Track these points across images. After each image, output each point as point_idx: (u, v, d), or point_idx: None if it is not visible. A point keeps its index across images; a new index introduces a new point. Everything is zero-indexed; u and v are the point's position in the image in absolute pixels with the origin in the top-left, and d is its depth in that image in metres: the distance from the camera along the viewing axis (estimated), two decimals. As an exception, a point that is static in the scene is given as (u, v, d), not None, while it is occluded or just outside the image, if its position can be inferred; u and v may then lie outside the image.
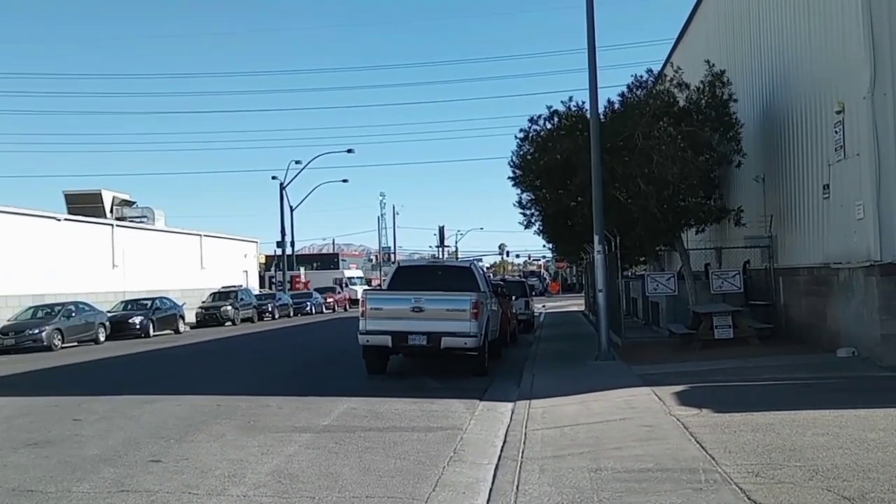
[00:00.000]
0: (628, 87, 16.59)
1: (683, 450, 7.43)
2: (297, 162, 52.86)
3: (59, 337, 25.90)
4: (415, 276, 15.74)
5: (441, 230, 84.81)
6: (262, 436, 9.14)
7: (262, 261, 63.72)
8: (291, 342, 25.19)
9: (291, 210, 54.02)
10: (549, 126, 16.79)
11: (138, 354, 22.66)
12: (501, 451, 8.21)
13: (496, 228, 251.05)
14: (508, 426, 9.72)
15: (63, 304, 27.62)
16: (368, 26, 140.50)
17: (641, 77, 16.57)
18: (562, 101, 16.63)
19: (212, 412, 10.96)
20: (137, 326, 30.16)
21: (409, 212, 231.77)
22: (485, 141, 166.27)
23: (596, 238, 15.04)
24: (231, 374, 16.35)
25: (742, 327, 15.21)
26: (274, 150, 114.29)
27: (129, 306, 32.12)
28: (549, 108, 16.71)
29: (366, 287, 52.72)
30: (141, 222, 45.66)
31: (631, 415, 9.56)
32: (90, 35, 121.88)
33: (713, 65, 16.42)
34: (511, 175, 18.18)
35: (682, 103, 16.49)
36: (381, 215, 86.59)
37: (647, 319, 21.89)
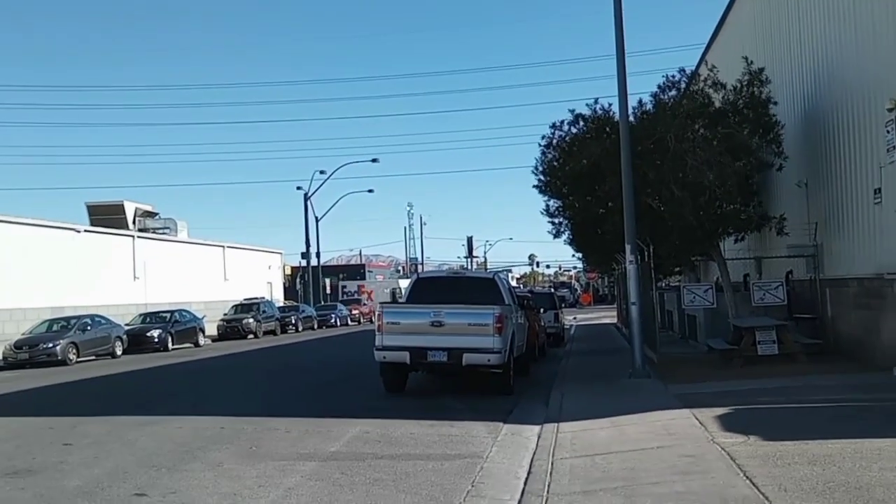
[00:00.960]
0: (659, 87, 15.65)
1: (732, 486, 6.49)
2: (322, 172, 52.43)
3: (75, 351, 25.40)
4: (435, 289, 14.88)
5: (469, 240, 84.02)
6: (263, 464, 8.32)
7: (288, 272, 63.31)
8: (311, 357, 24.44)
9: (317, 220, 53.58)
10: (573, 130, 15.89)
11: (152, 370, 22.05)
12: (525, 484, 7.32)
13: (526, 238, 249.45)
14: (534, 454, 8.82)
15: (78, 318, 27.15)
16: (393, 35, 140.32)
17: (673, 77, 15.62)
18: (587, 104, 15.73)
19: (213, 436, 10.18)
20: (156, 340, 29.64)
21: (437, 222, 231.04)
22: (513, 149, 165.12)
23: (628, 247, 14.08)
24: (243, 391, 15.61)
25: (787, 343, 14.14)
26: (299, 161, 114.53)
27: (148, 319, 31.64)
28: (572, 111, 15.81)
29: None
30: (163, 234, 45.43)
31: (669, 442, 8.61)
32: (112, 47, 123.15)
33: (751, 62, 15.40)
34: (536, 183, 17.27)
35: (717, 104, 15.49)
36: (409, 226, 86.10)
37: (684, 333, 20.81)
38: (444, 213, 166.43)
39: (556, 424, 10.27)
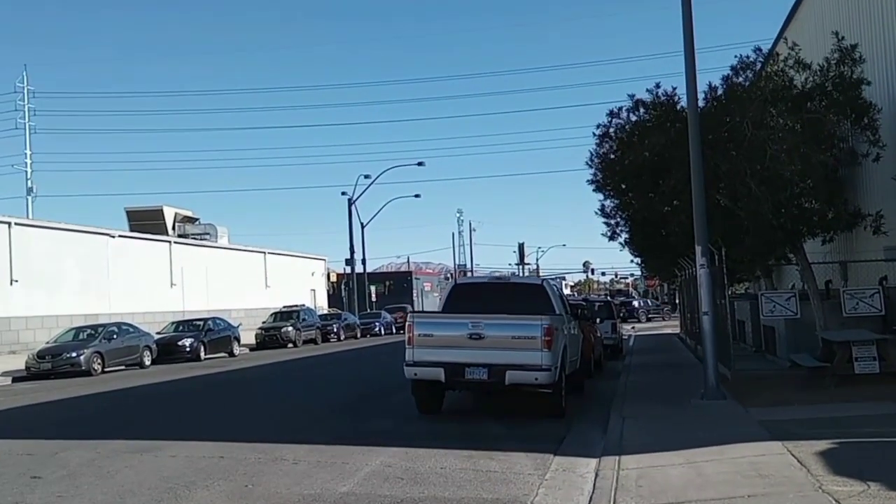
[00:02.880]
0: (732, 68, 13.66)
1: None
2: (367, 176, 51.16)
3: (100, 361, 24.24)
4: (475, 296, 13.14)
5: (521, 247, 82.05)
6: (254, 511, 6.71)
7: (334, 279, 62.21)
8: (346, 370, 22.86)
9: (362, 226, 52.30)
10: (633, 118, 13.98)
11: (175, 382, 20.72)
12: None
13: (580, 245, 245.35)
14: (591, 499, 7.06)
15: (105, 326, 26.07)
16: (439, 35, 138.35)
17: (747, 57, 13.59)
18: (647, 90, 13.81)
19: (208, 468, 8.62)
20: (187, 349, 28.42)
21: (488, 228, 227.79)
22: (566, 152, 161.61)
23: (698, 250, 12.16)
24: (260, 409, 14.05)
25: (891, 360, 12.04)
26: (344, 165, 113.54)
27: (181, 327, 30.48)
28: (631, 96, 13.91)
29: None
30: (203, 239, 44.64)
31: (764, 488, 6.74)
32: (151, 52, 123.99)
33: (842, 37, 13.30)
34: (591, 178, 15.42)
35: (800, 87, 13.46)
36: (459, 232, 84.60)
37: (758, 347, 18.65)
38: (495, 218, 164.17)
39: (616, 458, 8.45)
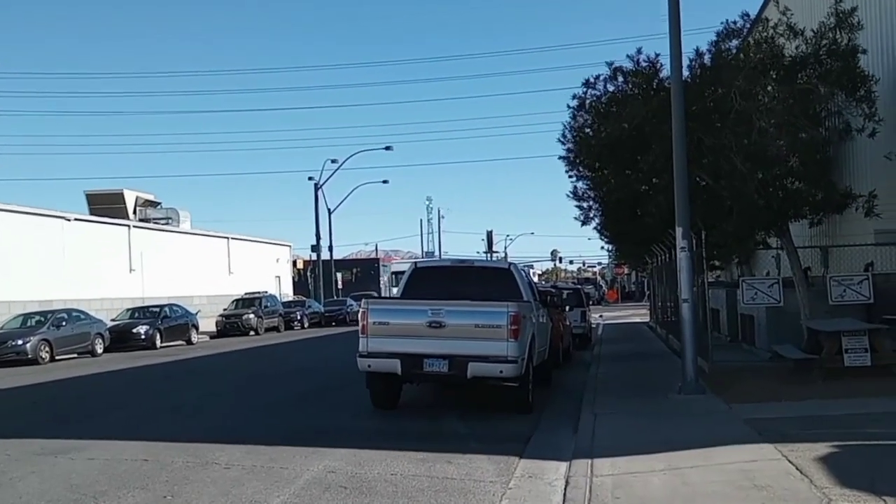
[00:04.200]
0: (717, 35, 12.70)
1: None
2: (334, 161, 49.75)
3: (47, 349, 22.84)
4: (436, 281, 12.10)
5: (489, 235, 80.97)
6: (163, 531, 5.65)
7: (300, 266, 60.79)
8: (304, 359, 21.65)
9: (329, 212, 50.93)
10: (611, 88, 12.97)
11: (124, 372, 19.44)
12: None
13: (548, 233, 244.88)
14: (561, 512, 6.13)
15: (54, 312, 24.64)
16: (407, 17, 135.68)
17: (734, 23, 12.64)
18: (628, 56, 12.78)
19: (127, 473, 7.53)
20: (142, 337, 27.03)
21: (456, 215, 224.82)
22: (535, 138, 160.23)
23: (679, 231, 11.25)
24: (203, 404, 12.79)
25: (883, 352, 11.23)
26: (310, 150, 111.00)
27: (136, 314, 29.06)
28: (610, 64, 12.86)
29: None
30: (165, 224, 43.11)
31: (760, 502, 5.83)
32: (114, 32, 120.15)
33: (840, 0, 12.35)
34: (563, 154, 14.41)
35: (791, 56, 12.54)
36: (428, 220, 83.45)
37: (734, 336, 17.84)
38: (464, 206, 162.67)
39: (588, 461, 7.50)
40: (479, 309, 10.39)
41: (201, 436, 9.29)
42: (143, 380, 17.71)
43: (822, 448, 7.21)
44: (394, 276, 41.52)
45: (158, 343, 27.50)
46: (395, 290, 35.36)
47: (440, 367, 10.28)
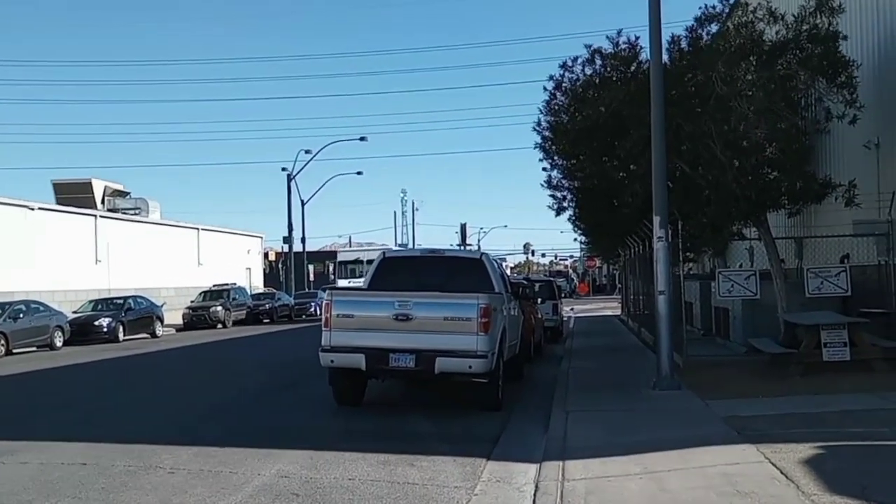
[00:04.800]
0: (696, 20, 12.27)
1: None
2: (307, 152, 48.93)
3: (3, 342, 21.90)
4: (405, 271, 11.61)
5: (463, 227, 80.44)
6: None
7: (272, 258, 59.87)
8: (269, 353, 20.97)
9: (302, 204, 50.09)
10: (588, 72, 12.49)
11: (80, 366, 18.64)
12: None
13: (521, 226, 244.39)
14: (530, 520, 5.66)
15: (10, 304, 23.74)
16: (382, 7, 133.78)
17: (713, 7, 12.23)
18: (608, 37, 12.31)
19: (60, 480, 6.93)
20: (104, 330, 26.14)
21: (430, 208, 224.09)
22: (510, 130, 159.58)
23: (656, 220, 10.82)
24: (156, 401, 12.13)
25: (863, 346, 10.91)
26: (284, 141, 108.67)
27: (99, 306, 28.12)
28: (588, 47, 12.39)
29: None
30: (134, 214, 42.11)
31: (743, 508, 5.42)
32: (80, 20, 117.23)
33: (820, -17, 11.96)
34: (539, 142, 13.93)
35: (771, 40, 12.15)
36: (403, 212, 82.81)
37: (708, 330, 17.52)
38: (438, 198, 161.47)
39: (560, 464, 7.05)
40: (448, 301, 9.90)
41: (149, 436, 8.69)
42: (98, 375, 16.97)
43: (806, 449, 6.82)
44: (341, 266, 39.22)
45: (121, 336, 26.65)
46: (342, 283, 34.53)
47: (406, 363, 9.78)
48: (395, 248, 39.77)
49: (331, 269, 43.17)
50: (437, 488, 6.51)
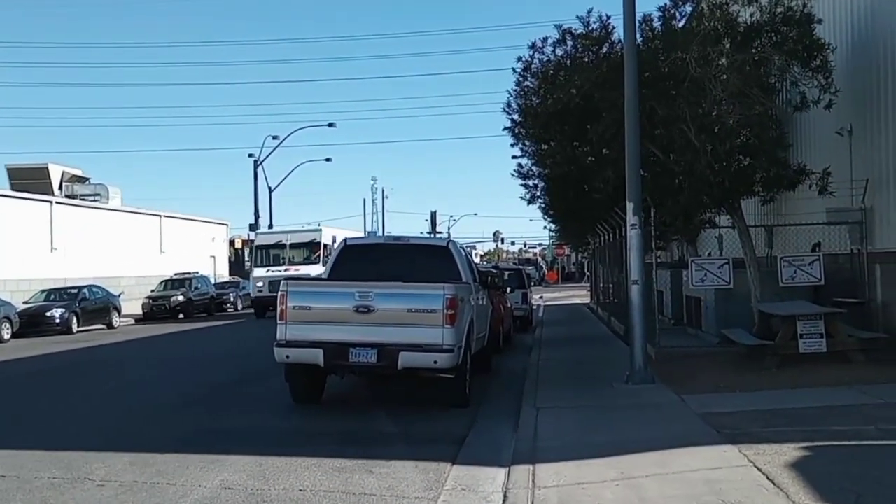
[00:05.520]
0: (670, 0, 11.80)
1: None
2: (275, 137, 47.81)
3: (-62, 334, 20.92)
4: (368, 260, 11.03)
5: (433, 215, 79.86)
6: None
7: (239, 245, 58.71)
8: (227, 346, 20.09)
9: (270, 191, 48.98)
10: (559, 53, 11.97)
11: (24, 361, 17.59)
12: None
13: (491, 214, 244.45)
14: (497, 535, 5.15)
15: (-51, 294, 22.65)
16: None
17: (687, -13, 11.77)
18: (578, 17, 11.79)
19: (-23, 494, 6.26)
20: (57, 321, 25.07)
21: (401, 196, 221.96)
22: (480, 118, 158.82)
23: (630, 207, 10.36)
24: (95, 401, 11.27)
25: (839, 337, 10.57)
26: (251, 126, 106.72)
27: (52, 296, 26.95)
28: (558, 27, 11.85)
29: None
30: (94, 200, 40.85)
31: (729, 520, 4.96)
32: (38, 1, 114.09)
33: (792, -38, 11.57)
34: (508, 126, 13.39)
35: (746, 22, 11.73)
36: (373, 200, 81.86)
37: (679, 320, 17.17)
38: (408, 186, 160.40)
39: (530, 468, 6.56)
40: (412, 292, 9.33)
41: (84, 442, 7.98)
42: (39, 371, 15.91)
43: (791, 450, 6.40)
44: (259, 252, 32.08)
45: (75, 327, 25.61)
46: (259, 270, 30.51)
47: (368, 358, 9.21)
48: (328, 230, 33.90)
49: (246, 255, 33.51)
50: (395, 500, 5.98)
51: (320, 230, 33.30)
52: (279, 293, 9.46)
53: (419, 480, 6.46)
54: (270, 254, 32.45)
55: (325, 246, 31.39)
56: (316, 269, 27.93)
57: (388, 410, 9.55)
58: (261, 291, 29.65)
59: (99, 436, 8.43)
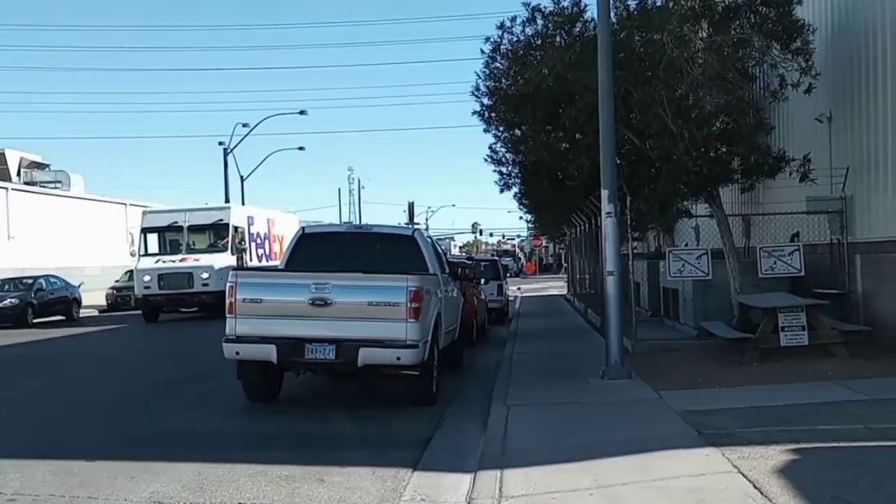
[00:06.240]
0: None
1: None
2: (245, 125, 46.73)
3: None
4: (328, 249, 10.42)
5: (410, 206, 79.15)
6: None
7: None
8: (186, 338, 19.08)
9: (242, 179, 47.92)
10: (529, 32, 11.39)
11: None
12: None
13: (470, 205, 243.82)
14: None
15: None
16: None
17: (663, -34, 11.24)
18: (548, -10, 11.18)
19: None
20: (9, 313, 24.07)
21: (378, 186, 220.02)
22: (457, 107, 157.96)
23: (605, 194, 9.83)
24: (27, 401, 10.40)
25: (822, 330, 10.14)
26: (223, 114, 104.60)
27: (6, 287, 25.85)
28: (527, 4, 11.26)
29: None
30: (54, 188, 39.72)
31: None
32: None
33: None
34: (477, 110, 12.80)
35: (724, 3, 11.24)
36: (350, 190, 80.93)
37: (655, 311, 16.73)
38: (385, 177, 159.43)
39: (497, 474, 6.02)
40: (373, 283, 8.74)
41: (14, 449, 7.29)
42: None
43: (778, 454, 5.92)
44: (146, 236, 25.44)
45: (31, 319, 24.58)
46: (146, 261, 24.69)
47: (325, 354, 8.60)
48: (242, 208, 28.52)
49: (133, 239, 25.31)
50: (347, 512, 5.40)
51: (228, 208, 26.83)
52: (227, 284, 8.81)
53: (374, 490, 5.88)
54: (166, 239, 25.58)
55: (238, 228, 25.92)
56: (223, 260, 24.08)
57: (349, 409, 8.96)
58: (148, 288, 23.85)
59: (24, 440, 7.70)
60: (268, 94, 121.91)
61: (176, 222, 25.46)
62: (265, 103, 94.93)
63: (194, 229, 25.64)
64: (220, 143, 47.40)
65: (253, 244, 28.44)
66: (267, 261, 29.00)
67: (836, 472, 5.36)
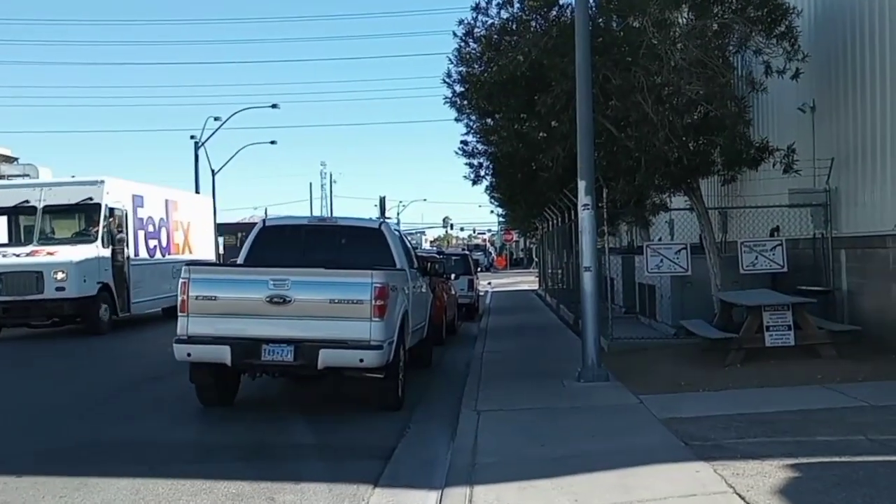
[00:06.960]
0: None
1: None
2: (217, 118, 45.61)
3: None
4: (289, 244, 9.80)
5: (382, 200, 78.40)
6: None
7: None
8: (146, 335, 18.02)
9: (213, 173, 46.91)
10: (504, 15, 10.82)
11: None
12: None
13: (441, 200, 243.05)
14: None
15: None
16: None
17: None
18: (525, -25, 10.63)
19: None
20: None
21: (349, 181, 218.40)
22: (429, 102, 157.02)
23: (582, 185, 9.30)
24: None
25: (809, 329, 9.69)
26: (194, 108, 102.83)
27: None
28: (500, -15, 10.69)
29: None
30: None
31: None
32: None
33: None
34: (448, 97, 12.21)
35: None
36: (321, 185, 79.90)
37: (631, 308, 16.26)
38: (357, 171, 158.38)
39: (466, 491, 5.46)
40: (336, 280, 8.11)
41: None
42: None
43: (775, 470, 5.41)
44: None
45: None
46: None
47: (284, 356, 7.97)
48: (120, 183, 19.19)
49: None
50: (297, 539, 4.79)
51: (102, 182, 18.37)
52: (180, 280, 8.14)
53: (331, 510, 5.29)
54: (19, 224, 18.71)
55: (114, 211, 18.49)
56: (87, 253, 17.16)
57: (309, 415, 8.32)
58: None
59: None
60: (241, 88, 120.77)
61: (27, 201, 18.04)
62: (238, 97, 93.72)
63: (53, 211, 18.35)
64: (192, 137, 46.42)
65: (141, 232, 20.09)
66: (162, 255, 21.19)
67: (844, 493, 4.84)
